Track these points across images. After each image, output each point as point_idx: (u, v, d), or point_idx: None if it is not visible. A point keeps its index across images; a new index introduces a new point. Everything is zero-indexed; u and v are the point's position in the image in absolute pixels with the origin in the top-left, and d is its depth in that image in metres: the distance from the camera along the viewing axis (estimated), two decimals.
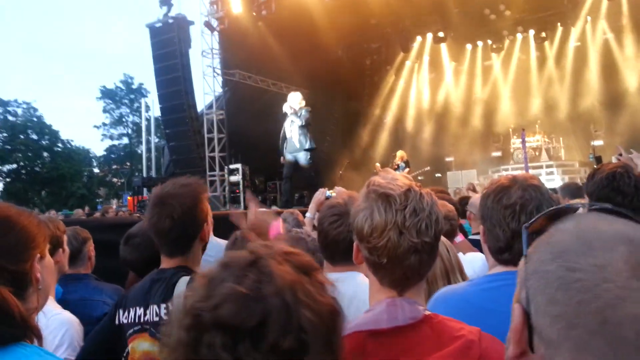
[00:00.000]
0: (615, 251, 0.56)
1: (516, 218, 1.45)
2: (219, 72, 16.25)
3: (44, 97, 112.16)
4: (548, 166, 15.09)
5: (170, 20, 15.76)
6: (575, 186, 4.79)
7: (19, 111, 38.86)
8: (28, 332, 1.15)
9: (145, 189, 16.28)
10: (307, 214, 3.76)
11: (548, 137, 16.42)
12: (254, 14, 15.45)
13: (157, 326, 1.73)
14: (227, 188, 15.41)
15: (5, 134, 37.28)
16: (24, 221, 1.27)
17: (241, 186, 14.70)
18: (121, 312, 1.83)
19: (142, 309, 1.79)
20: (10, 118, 37.99)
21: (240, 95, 16.39)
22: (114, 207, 19.75)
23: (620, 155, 3.72)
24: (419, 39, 18.48)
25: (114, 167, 46.06)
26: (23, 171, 38.26)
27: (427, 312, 1.15)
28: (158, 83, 16.22)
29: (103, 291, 2.58)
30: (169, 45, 15.60)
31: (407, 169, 12.71)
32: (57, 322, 2.04)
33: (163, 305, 1.74)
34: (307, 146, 9.50)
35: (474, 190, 6.59)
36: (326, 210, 2.03)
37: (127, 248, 2.47)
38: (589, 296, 0.54)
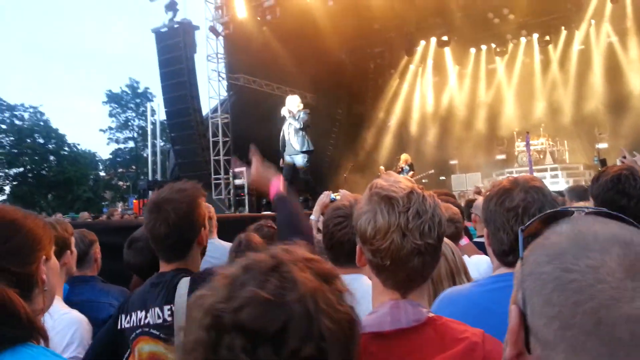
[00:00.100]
0: (610, 253, 0.57)
1: (519, 221, 1.45)
2: (224, 76, 16.32)
3: (50, 101, 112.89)
4: (552, 169, 15.03)
5: (176, 25, 15.86)
6: (582, 189, 4.77)
7: (26, 115, 39.11)
8: (34, 333, 1.16)
9: (150, 192, 16.33)
10: (312, 217, 3.76)
11: (552, 140, 16.36)
12: (259, 18, 15.50)
13: (161, 328, 1.73)
14: (231, 191, 15.44)
15: (12, 138, 37.49)
16: (29, 224, 1.28)
17: (246, 190, 14.72)
18: (123, 316, 1.84)
19: (142, 313, 1.79)
20: (17, 122, 38.22)
21: (245, 99, 16.43)
22: (119, 210, 19.82)
23: (624, 157, 3.70)
24: (422, 42, 18.47)
25: (120, 170, 46.21)
26: (30, 175, 38.45)
27: (431, 315, 1.15)
28: (164, 87, 16.31)
29: (109, 293, 2.59)
30: (175, 50, 15.69)
31: (411, 172, 12.69)
32: (66, 321, 2.06)
33: (167, 307, 1.74)
34: (304, 148, 9.50)
35: (480, 194, 6.58)
36: (331, 212, 2.04)
37: (130, 252, 2.48)
38: (584, 297, 0.54)
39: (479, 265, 2.60)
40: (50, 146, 39.45)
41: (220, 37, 16.23)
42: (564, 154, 16.41)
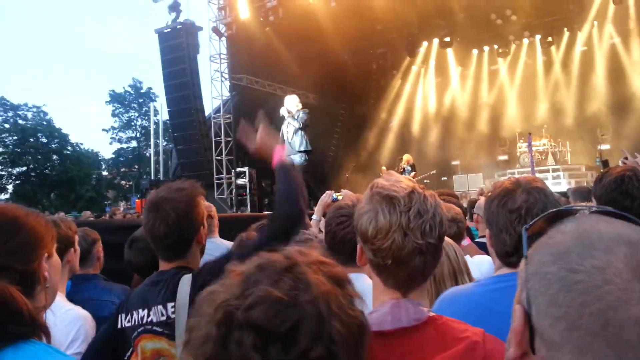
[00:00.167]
0: (616, 253, 0.56)
1: (522, 222, 1.45)
2: (227, 76, 16.35)
3: (53, 101, 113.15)
4: (554, 170, 15.02)
5: (179, 26, 15.91)
6: (586, 189, 4.76)
7: (29, 115, 39.21)
8: (37, 329, 1.17)
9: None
10: (314, 216, 3.77)
11: (554, 141, 16.34)
12: (262, 19, 15.53)
13: (164, 325, 1.74)
14: (234, 191, 15.46)
15: (15, 137, 37.60)
16: (32, 222, 1.29)
17: (248, 189, 14.74)
18: (123, 316, 1.84)
19: (144, 311, 1.79)
20: (20, 122, 38.33)
21: (247, 99, 16.45)
22: (122, 209, 19.85)
23: (626, 158, 3.69)
24: (425, 43, 18.47)
25: (123, 170, 46.29)
26: (33, 174, 38.55)
27: (431, 314, 1.15)
28: (166, 87, 16.36)
29: (112, 291, 2.60)
30: (178, 51, 15.73)
31: (413, 173, 12.69)
32: (71, 317, 2.08)
33: (170, 305, 1.74)
34: (302, 148, 9.48)
35: (483, 195, 6.57)
36: (334, 211, 2.06)
37: (131, 252, 2.48)
38: (591, 298, 0.53)
39: (481, 265, 2.60)
40: (53, 145, 39.54)
41: (223, 38, 16.26)
42: (566, 155, 16.39)
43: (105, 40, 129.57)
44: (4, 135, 37.26)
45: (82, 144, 42.63)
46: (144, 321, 1.78)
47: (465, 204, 6.04)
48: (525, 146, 15.36)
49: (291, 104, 9.63)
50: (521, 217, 1.45)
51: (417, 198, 1.14)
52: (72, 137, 41.04)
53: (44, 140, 39.10)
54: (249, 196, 14.63)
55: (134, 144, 46.12)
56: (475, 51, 18.72)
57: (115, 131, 45.81)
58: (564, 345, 0.55)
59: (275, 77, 17.01)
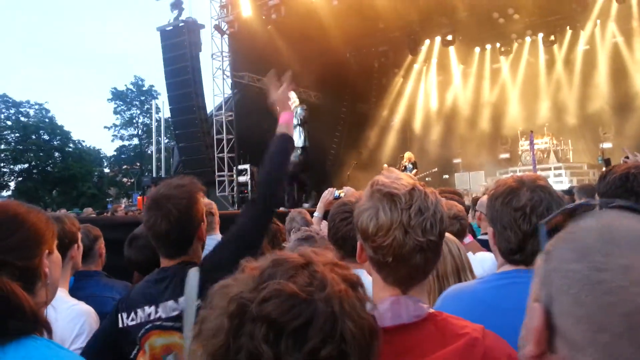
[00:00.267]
0: None
1: (527, 220, 1.45)
2: (229, 74, 16.36)
3: (55, 98, 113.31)
4: (556, 168, 15.00)
5: (181, 24, 15.91)
6: (591, 187, 4.74)
7: (31, 112, 39.33)
8: (38, 325, 1.17)
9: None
10: (315, 213, 3.78)
11: (556, 139, 16.32)
12: (264, 17, 15.52)
13: (177, 319, 1.74)
14: (235, 188, 15.48)
15: (17, 135, 37.69)
16: (32, 218, 1.29)
17: (249, 187, 14.76)
18: (124, 315, 1.82)
19: (151, 308, 1.78)
20: (22, 119, 38.42)
21: (249, 97, 16.46)
22: (123, 206, 19.88)
23: (627, 157, 3.68)
24: (427, 42, 18.45)
25: (124, 167, 46.39)
26: (35, 171, 38.63)
27: (431, 310, 1.15)
28: (168, 85, 16.36)
29: (113, 288, 2.60)
30: (180, 48, 15.73)
31: (414, 171, 12.69)
32: (75, 313, 2.09)
33: (181, 299, 1.73)
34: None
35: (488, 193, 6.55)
36: (338, 207, 2.08)
37: (131, 250, 2.47)
38: (617, 299, 0.52)
39: (483, 262, 2.60)
40: (55, 143, 39.63)
41: (225, 36, 16.26)
42: (568, 153, 16.37)
43: (107, 39, 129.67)
44: (6, 132, 37.35)
45: (84, 141, 42.85)
46: (152, 317, 1.77)
47: (468, 202, 6.04)
48: (527, 144, 15.35)
49: None
50: (526, 215, 1.45)
51: (418, 195, 1.14)
52: (74, 135, 41.23)
53: (46, 137, 39.20)
54: (250, 193, 14.64)
55: (135, 141, 46.22)
56: (477, 49, 18.69)
57: (117, 128, 45.95)
58: (587, 346, 0.53)
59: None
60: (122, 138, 46.20)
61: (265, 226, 2.00)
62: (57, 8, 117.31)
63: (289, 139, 2.10)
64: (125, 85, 46.15)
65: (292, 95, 9.79)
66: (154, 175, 24.85)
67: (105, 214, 13.32)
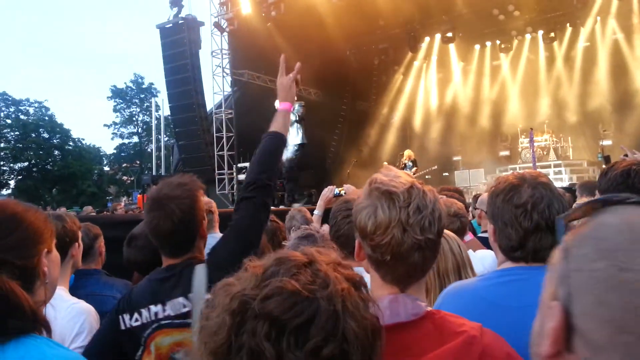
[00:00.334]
0: None
1: (528, 217, 1.45)
2: (228, 72, 16.34)
3: (55, 97, 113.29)
4: (556, 165, 15.01)
5: (181, 21, 15.88)
6: (593, 184, 4.74)
7: (31, 110, 39.30)
8: (38, 324, 1.17)
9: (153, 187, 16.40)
10: (315, 212, 3.78)
11: (556, 136, 16.32)
12: (263, 14, 15.50)
13: (186, 316, 1.73)
14: (235, 186, 15.48)
15: (17, 133, 37.67)
16: (31, 217, 1.29)
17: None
18: (127, 317, 1.80)
19: (158, 307, 1.77)
20: (22, 117, 38.39)
21: (249, 94, 16.45)
22: (123, 204, 19.89)
23: (626, 155, 3.67)
24: (427, 39, 18.43)
25: (124, 165, 46.38)
26: (34, 169, 38.63)
27: (429, 308, 1.15)
28: (168, 83, 16.35)
29: (114, 286, 2.60)
30: (179, 46, 15.72)
31: (414, 168, 12.69)
32: (75, 311, 2.09)
33: (191, 295, 1.73)
34: (297, 141, 9.43)
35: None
36: (340, 205, 2.10)
37: (131, 250, 2.46)
38: None
39: (483, 259, 2.60)
40: (55, 141, 39.62)
41: (225, 33, 16.24)
42: (568, 151, 16.39)
43: (107, 38, 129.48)
44: (5, 130, 37.34)
45: (83, 139, 42.81)
46: (160, 316, 1.76)
47: (469, 199, 6.04)
48: (527, 142, 15.35)
49: None
50: (527, 212, 1.45)
51: (417, 193, 1.14)
52: (73, 133, 41.20)
53: (46, 135, 39.18)
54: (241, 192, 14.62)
55: (135, 139, 46.18)
56: (477, 46, 18.68)
57: (116, 127, 45.90)
58: (608, 346, 0.51)
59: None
60: (121, 136, 46.20)
61: (264, 220, 2.00)
62: (57, 8, 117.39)
63: (282, 138, 2.09)
64: (125, 83, 46.14)
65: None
66: (154, 173, 24.84)
67: (105, 212, 13.32)
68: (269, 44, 15.56)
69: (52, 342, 1.19)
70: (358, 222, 1.17)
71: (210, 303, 0.78)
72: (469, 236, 3.23)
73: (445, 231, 2.09)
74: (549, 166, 14.88)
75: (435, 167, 14.82)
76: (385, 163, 13.20)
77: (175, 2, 16.25)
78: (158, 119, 29.10)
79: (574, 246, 0.58)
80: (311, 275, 0.77)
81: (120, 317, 1.81)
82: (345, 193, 3.62)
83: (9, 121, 37.59)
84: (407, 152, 13.44)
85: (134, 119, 46.20)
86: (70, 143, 40.70)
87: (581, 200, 4.30)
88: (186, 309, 1.74)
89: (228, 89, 16.46)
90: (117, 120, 45.78)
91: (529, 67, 18.06)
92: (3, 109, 37.74)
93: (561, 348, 0.57)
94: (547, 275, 0.63)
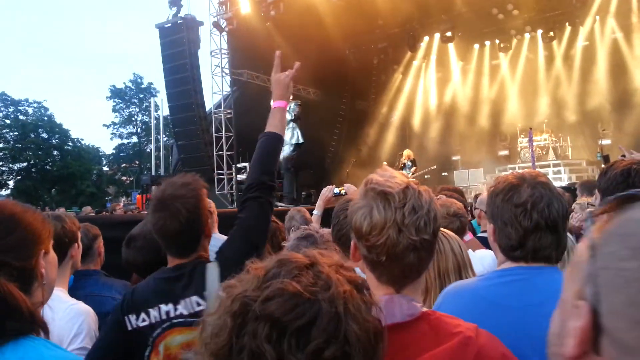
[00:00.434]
0: None
1: (528, 216, 1.45)
2: (227, 71, 16.32)
3: (54, 97, 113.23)
4: (555, 165, 15.02)
5: (180, 21, 15.86)
6: (593, 183, 4.74)
7: (30, 110, 39.25)
8: (35, 325, 1.18)
9: (153, 187, 16.37)
10: (315, 212, 3.78)
11: (555, 136, 16.33)
12: (263, 14, 15.49)
13: (200, 315, 1.73)
14: (234, 187, 15.46)
15: (16, 133, 37.63)
16: (28, 218, 1.29)
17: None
18: (133, 317, 1.78)
19: (169, 306, 1.76)
20: (21, 117, 38.34)
21: (248, 94, 16.44)
22: (122, 204, 19.87)
23: (624, 156, 3.67)
24: (426, 38, 18.44)
25: (123, 165, 46.36)
26: (33, 169, 38.59)
27: (425, 309, 1.15)
28: (167, 83, 16.33)
29: (112, 287, 2.60)
30: (178, 46, 15.70)
31: (413, 168, 12.70)
32: (74, 312, 2.09)
33: (206, 293, 1.73)
34: (293, 141, 9.40)
35: None
36: (342, 205, 2.09)
37: (129, 251, 2.45)
38: None
39: (483, 259, 2.60)
40: (54, 141, 39.58)
41: (224, 33, 16.23)
42: (567, 150, 16.39)
43: (107, 39, 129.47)
44: (4, 130, 37.30)
45: (82, 139, 42.75)
46: (171, 315, 1.75)
47: (469, 199, 6.04)
48: (526, 141, 15.36)
49: None
50: (527, 211, 1.46)
51: (412, 194, 1.14)
52: (72, 133, 41.16)
53: (45, 135, 39.15)
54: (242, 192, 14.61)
55: (134, 139, 46.16)
56: (476, 46, 18.68)
57: (115, 127, 45.88)
58: None
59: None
60: (120, 136, 46.18)
61: (269, 219, 2.03)
62: (57, 8, 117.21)
63: (279, 138, 2.11)
64: (124, 83, 46.12)
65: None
66: (153, 173, 24.84)
67: (104, 212, 13.32)
68: (268, 43, 15.54)
69: (50, 344, 1.19)
70: (354, 223, 1.17)
71: (213, 305, 0.79)
72: (468, 236, 3.23)
73: (446, 231, 2.10)
74: (548, 165, 14.88)
75: (435, 166, 14.82)
76: (385, 163, 13.22)
77: (174, 1, 16.24)
78: (157, 118, 29.09)
79: (601, 243, 0.56)
80: (313, 277, 0.77)
81: (126, 317, 1.79)
82: (346, 193, 3.63)
83: (8, 121, 37.54)
84: (407, 152, 13.45)
85: (133, 119, 46.18)
86: (70, 143, 40.67)
87: (581, 199, 4.30)
88: (201, 307, 1.73)
89: (227, 89, 16.45)
90: (116, 120, 45.80)
91: (528, 67, 18.06)
92: (2, 109, 37.70)
93: (587, 349, 0.55)
94: (569, 273, 0.60)
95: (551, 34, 16.67)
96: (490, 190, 1.62)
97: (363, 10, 15.37)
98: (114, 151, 46.37)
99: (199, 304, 1.75)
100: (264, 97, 16.45)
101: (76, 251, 2.33)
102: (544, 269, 1.48)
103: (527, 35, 17.53)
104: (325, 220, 3.37)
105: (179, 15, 16.18)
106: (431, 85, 20.05)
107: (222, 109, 16.17)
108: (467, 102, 19.13)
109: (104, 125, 46.04)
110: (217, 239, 3.36)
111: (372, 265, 1.16)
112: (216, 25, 16.08)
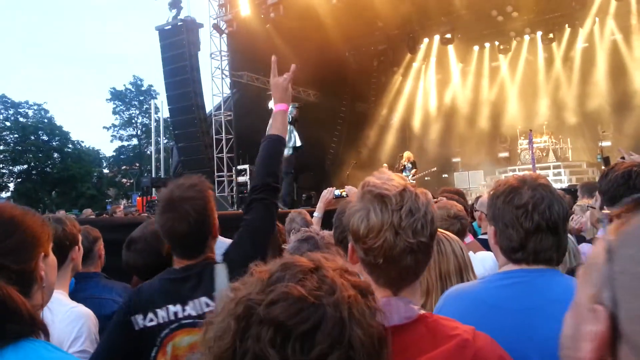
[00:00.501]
0: None
1: (529, 217, 1.46)
2: (227, 73, 16.33)
3: (54, 100, 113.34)
4: (555, 167, 15.02)
5: (180, 23, 15.86)
6: (594, 185, 4.74)
7: (30, 113, 39.30)
8: (35, 328, 1.18)
9: (154, 189, 16.37)
10: (315, 214, 3.77)
11: (555, 137, 16.33)
12: (262, 16, 15.49)
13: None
14: (235, 189, 15.46)
15: (16, 135, 37.66)
16: (28, 221, 1.29)
17: (249, 187, 14.73)
18: (140, 317, 1.78)
19: (177, 307, 1.76)
20: (21, 119, 38.38)
21: (248, 96, 16.44)
22: (122, 207, 19.86)
23: (623, 158, 3.68)
24: (426, 40, 18.45)
25: (123, 167, 46.38)
26: (34, 172, 38.61)
27: (422, 312, 1.15)
28: (167, 85, 16.33)
29: (113, 289, 2.60)
30: (178, 48, 15.70)
31: (413, 170, 12.69)
32: (74, 315, 2.08)
33: (216, 294, 1.74)
34: (291, 144, 9.38)
35: None
36: (344, 207, 2.08)
37: (130, 254, 2.46)
38: None
39: (484, 261, 2.60)
40: (54, 143, 39.61)
41: (224, 35, 16.24)
42: (567, 152, 16.39)
43: (107, 39, 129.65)
44: (4, 133, 37.33)
45: (83, 141, 42.87)
46: (180, 316, 1.75)
47: (470, 201, 6.03)
48: (526, 143, 15.36)
49: None
50: (528, 212, 1.46)
51: (409, 196, 1.14)
52: (73, 135, 41.23)
53: (45, 138, 39.19)
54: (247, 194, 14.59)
55: (134, 141, 46.21)
56: (476, 48, 18.69)
57: (116, 129, 45.94)
58: None
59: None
60: (121, 138, 46.25)
61: (274, 220, 2.06)
62: (57, 8, 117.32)
63: (282, 141, 2.15)
64: (124, 85, 46.19)
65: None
66: (154, 175, 24.86)
67: (104, 215, 13.32)
68: (268, 45, 15.55)
69: (50, 346, 1.20)
70: (351, 226, 1.17)
71: (216, 308, 0.79)
72: (469, 238, 3.23)
73: (447, 232, 2.10)
74: (548, 167, 14.88)
75: (435, 168, 14.82)
76: (385, 165, 13.23)
77: (174, 3, 16.25)
78: (157, 121, 29.13)
79: (618, 246, 0.55)
80: (317, 281, 0.77)
81: (132, 318, 1.79)
82: (347, 195, 3.63)
83: (8, 124, 37.57)
84: (407, 154, 13.44)
85: (133, 121, 46.23)
86: (70, 145, 40.71)
87: (582, 201, 4.31)
88: (209, 309, 1.73)
89: (227, 91, 16.45)
90: (117, 122, 45.86)
91: (528, 68, 18.07)
92: (2, 111, 37.74)
93: (604, 354, 0.54)
94: (583, 275, 0.59)
95: (551, 35, 16.68)
96: (491, 193, 1.63)
97: (363, 12, 15.39)
98: (114, 153, 46.44)
99: (207, 305, 1.75)
100: (264, 99, 16.44)
101: (77, 254, 2.33)
102: (545, 271, 1.49)
103: (526, 37, 17.54)
104: (326, 222, 3.37)
105: (178, 17, 16.19)
106: (431, 87, 20.05)
107: (222, 111, 16.18)
108: (467, 104, 19.14)
109: (104, 127, 46.15)
110: (219, 242, 3.37)
111: (370, 267, 1.16)
112: (216, 27, 16.09)
